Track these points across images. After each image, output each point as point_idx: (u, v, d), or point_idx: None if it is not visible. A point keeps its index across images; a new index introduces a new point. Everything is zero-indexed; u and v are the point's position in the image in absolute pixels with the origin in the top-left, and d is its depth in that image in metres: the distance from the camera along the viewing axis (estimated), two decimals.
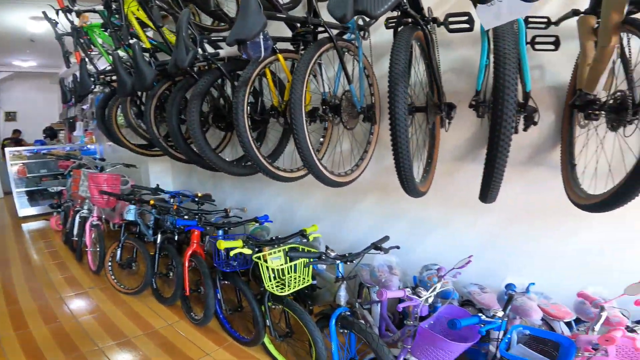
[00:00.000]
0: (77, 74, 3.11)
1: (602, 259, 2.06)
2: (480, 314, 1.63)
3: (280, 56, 2.07)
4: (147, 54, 2.79)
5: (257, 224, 2.88)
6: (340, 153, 2.64)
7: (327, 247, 2.07)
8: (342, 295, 1.96)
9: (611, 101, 1.49)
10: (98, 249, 3.63)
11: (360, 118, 2.08)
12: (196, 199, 3.42)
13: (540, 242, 2.20)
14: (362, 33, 2.07)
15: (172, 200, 3.54)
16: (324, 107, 2.04)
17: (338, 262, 1.98)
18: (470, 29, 1.87)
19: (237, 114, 1.87)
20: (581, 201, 1.64)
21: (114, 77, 3.35)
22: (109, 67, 3.22)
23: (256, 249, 2.17)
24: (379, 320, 2.12)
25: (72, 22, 3.06)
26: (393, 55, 1.54)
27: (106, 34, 3.10)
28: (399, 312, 2.33)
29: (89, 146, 6.39)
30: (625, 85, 1.43)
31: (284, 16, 1.90)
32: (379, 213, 2.75)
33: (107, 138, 3.61)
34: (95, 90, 4.90)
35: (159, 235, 3.12)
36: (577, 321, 1.93)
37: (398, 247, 2.22)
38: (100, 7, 2.73)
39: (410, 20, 1.78)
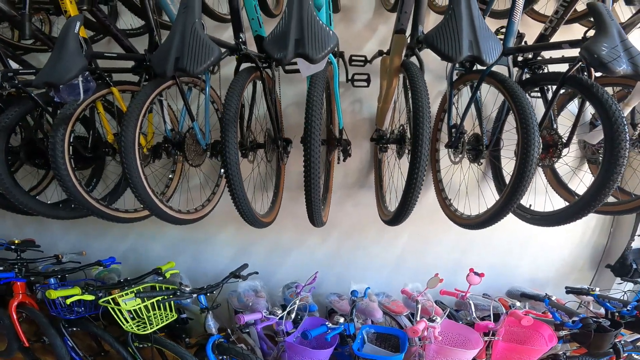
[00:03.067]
0: None
1: (414, 260, 2.62)
2: (327, 322, 1.88)
3: (115, 90, 1.92)
4: None
5: (102, 267, 2.59)
6: (188, 190, 2.59)
7: (180, 283, 2.07)
8: (212, 324, 1.99)
9: (393, 134, 1.91)
10: None
11: (206, 155, 2.10)
12: (12, 247, 2.80)
13: (370, 250, 2.66)
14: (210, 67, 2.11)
15: None
16: (166, 144, 1.99)
17: (195, 295, 2.01)
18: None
19: (55, 156, 1.64)
20: (384, 217, 2.05)
21: None
22: None
23: (102, 293, 2.05)
24: (259, 341, 2.20)
25: None
26: (227, 99, 1.62)
27: None
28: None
29: None
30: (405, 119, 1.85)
31: (114, 55, 1.79)
32: (239, 242, 2.82)
33: None
34: None
35: None
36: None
37: (257, 273, 2.35)
38: None
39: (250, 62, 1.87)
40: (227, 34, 2.52)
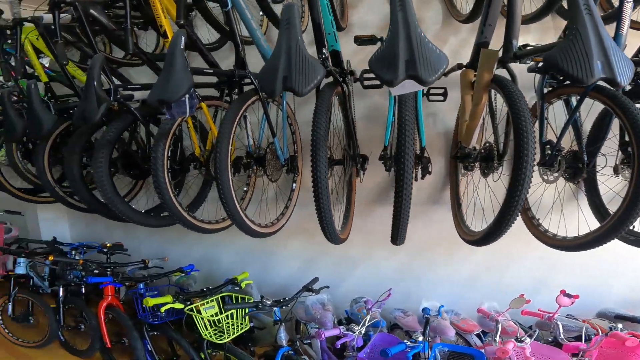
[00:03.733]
0: None
1: (490, 278, 2.48)
2: (406, 340, 1.84)
3: (204, 105, 2.06)
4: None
5: (182, 274, 2.77)
6: (266, 202, 2.67)
7: (262, 297, 2.13)
8: (283, 337, 2.04)
9: (482, 152, 1.83)
10: None
11: (284, 170, 2.17)
12: (105, 250, 3.08)
13: (439, 267, 2.57)
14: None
15: (74, 253, 3.12)
16: (248, 160, 2.08)
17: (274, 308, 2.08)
18: (381, 86, 2.06)
19: (157, 169, 1.78)
20: (466, 237, 1.97)
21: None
22: None
23: (187, 302, 2.15)
24: (321, 354, 2.21)
25: None
26: (315, 118, 1.66)
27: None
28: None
29: None
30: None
31: (211, 71, 1.91)
32: (306, 254, 2.87)
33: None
34: None
35: (60, 288, 2.78)
36: (485, 332, 2.25)
37: (327, 287, 2.38)
38: None
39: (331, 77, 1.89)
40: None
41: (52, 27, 2.02)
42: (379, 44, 1.89)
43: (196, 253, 3.32)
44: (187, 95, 1.56)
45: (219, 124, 1.80)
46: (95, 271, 2.65)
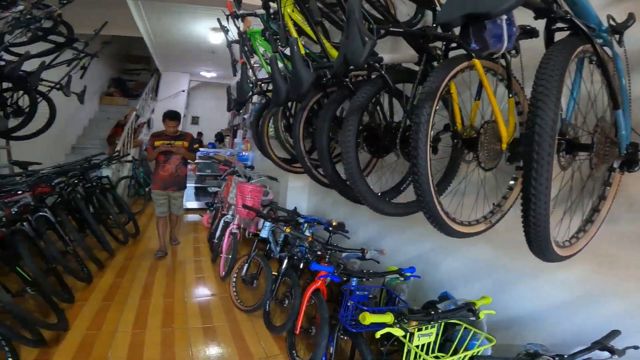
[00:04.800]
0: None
1: None
2: None
3: (477, 62, 1.39)
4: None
5: (401, 278, 2.26)
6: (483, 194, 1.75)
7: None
8: None
9: None
10: (230, 257, 3.66)
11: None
12: (330, 228, 3.01)
13: None
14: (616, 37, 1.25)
15: (306, 227, 3.22)
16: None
17: None
18: None
19: (418, 141, 1.27)
20: None
21: (270, 87, 3.28)
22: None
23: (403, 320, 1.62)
24: None
25: (238, 28, 3.01)
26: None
27: (266, 41, 2.96)
28: None
29: (244, 153, 6.97)
30: None
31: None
32: (587, 287, 1.71)
33: (258, 149, 3.58)
34: (254, 101, 5.15)
35: (285, 261, 2.84)
36: None
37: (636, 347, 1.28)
38: (262, 11, 2.59)
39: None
40: None
41: None
42: None
43: (412, 250, 2.76)
44: (504, 18, 0.95)
45: (537, 87, 1.06)
46: (318, 252, 2.53)
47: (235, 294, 3.25)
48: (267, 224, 3.27)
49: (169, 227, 4.59)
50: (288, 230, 2.72)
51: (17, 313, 2.27)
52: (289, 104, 3.19)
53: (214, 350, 2.63)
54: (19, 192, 3.05)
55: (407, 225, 2.73)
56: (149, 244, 4.75)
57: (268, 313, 2.91)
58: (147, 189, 6.39)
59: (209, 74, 10.63)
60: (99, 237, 3.94)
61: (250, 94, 2.80)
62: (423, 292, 2.51)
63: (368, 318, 1.57)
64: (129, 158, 5.87)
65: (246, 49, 2.90)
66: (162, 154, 4.03)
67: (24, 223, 2.87)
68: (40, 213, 3.09)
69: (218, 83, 11.39)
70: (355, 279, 2.26)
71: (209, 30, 6.44)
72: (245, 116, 7.38)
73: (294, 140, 2.58)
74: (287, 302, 2.83)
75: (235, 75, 3.62)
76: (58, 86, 4.15)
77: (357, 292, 2.18)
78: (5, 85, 3.68)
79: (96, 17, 4.43)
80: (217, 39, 6.62)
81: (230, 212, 4.10)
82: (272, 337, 2.79)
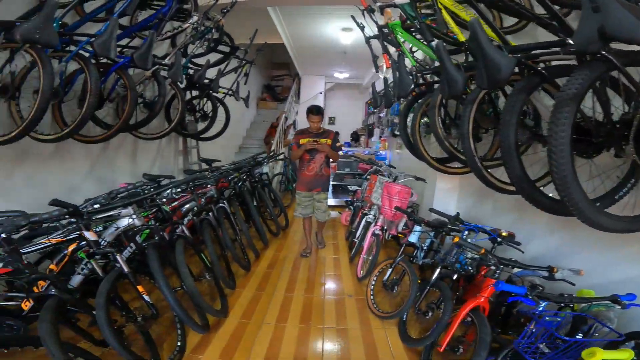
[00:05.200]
0: (386, 77, 2.95)
1: None
2: None
3: None
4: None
5: (616, 305, 1.75)
6: None
7: None
8: None
9: None
10: (370, 258, 3.56)
11: None
12: (498, 239, 2.57)
13: None
14: None
15: (467, 235, 2.85)
16: None
17: None
18: None
19: None
20: None
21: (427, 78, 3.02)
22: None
23: None
24: None
25: (376, 23, 2.89)
26: None
27: (408, 33, 2.78)
28: None
29: (381, 152, 6.88)
30: None
31: None
32: None
33: (407, 147, 3.36)
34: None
35: (438, 270, 2.57)
36: None
37: None
38: (403, 1, 2.38)
39: None
40: None
41: None
42: None
43: (616, 273, 2.08)
44: None
45: None
46: (497, 271, 2.16)
47: (372, 297, 3.13)
48: (418, 228, 3.06)
49: (313, 228, 4.57)
50: (457, 239, 2.42)
51: (196, 298, 2.51)
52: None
53: (344, 353, 2.55)
54: (208, 186, 3.63)
55: (607, 241, 2.08)
56: (295, 237, 5.10)
57: (404, 322, 2.73)
58: (294, 185, 7.03)
59: (341, 75, 10.95)
60: (259, 228, 4.42)
61: (412, 86, 2.60)
62: (628, 322, 1.87)
63: (599, 354, 1.20)
64: (280, 157, 6.48)
65: (390, 39, 2.73)
66: (307, 153, 3.93)
67: (209, 213, 3.40)
68: (220, 204, 3.64)
69: (350, 83, 11.67)
70: (545, 302, 1.83)
71: (339, 31, 6.49)
72: (382, 114, 7.26)
73: (461, 137, 2.28)
74: (430, 314, 2.58)
75: (377, 71, 3.51)
76: (230, 92, 4.83)
77: (547, 318, 1.79)
78: (193, 93, 4.47)
79: (244, 27, 4.86)
80: (347, 39, 6.63)
81: (372, 212, 4.01)
82: (404, 349, 2.58)
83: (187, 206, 3.17)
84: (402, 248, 3.11)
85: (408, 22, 2.76)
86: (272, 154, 6.10)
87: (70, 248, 2.08)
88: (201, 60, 4.07)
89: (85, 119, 2.46)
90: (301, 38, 7.07)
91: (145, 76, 3.43)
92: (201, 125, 4.61)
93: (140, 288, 2.21)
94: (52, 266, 2.06)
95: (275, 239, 4.90)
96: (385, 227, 3.77)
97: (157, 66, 3.31)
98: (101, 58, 2.75)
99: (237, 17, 4.06)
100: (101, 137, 2.95)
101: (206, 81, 4.08)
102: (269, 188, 5.29)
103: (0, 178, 2.66)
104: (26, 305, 1.91)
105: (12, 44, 2.21)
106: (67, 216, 1.98)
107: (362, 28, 3.12)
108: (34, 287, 1.89)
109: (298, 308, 3.11)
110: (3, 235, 1.66)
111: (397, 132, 5.81)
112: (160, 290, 2.28)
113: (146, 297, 2.24)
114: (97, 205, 2.18)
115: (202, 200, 3.43)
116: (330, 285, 3.66)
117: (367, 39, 3.15)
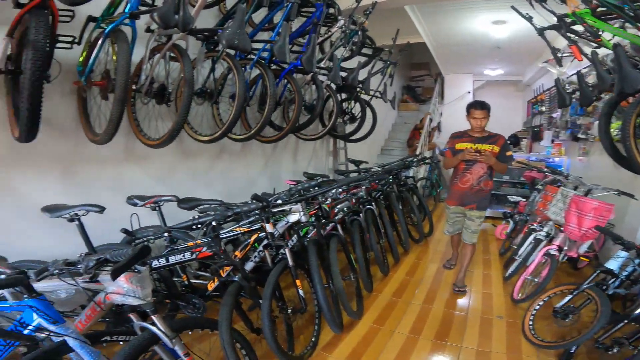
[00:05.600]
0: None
1: None
2: None
3: None
4: None
5: None
6: None
7: None
8: None
9: None
10: (537, 280, 3.01)
11: None
12: None
13: None
14: None
15: None
16: None
17: None
18: None
19: None
20: None
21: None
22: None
23: None
24: None
25: (553, 12, 2.51)
26: None
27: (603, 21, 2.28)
28: None
29: (554, 159, 5.73)
30: None
31: None
32: None
33: (610, 155, 2.63)
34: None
35: None
36: None
37: None
38: None
39: None
40: None
41: None
42: None
43: None
44: None
45: None
46: None
47: (531, 323, 2.63)
48: (623, 254, 2.45)
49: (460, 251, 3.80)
50: None
51: (342, 297, 2.51)
52: None
53: None
54: (362, 187, 3.65)
55: None
56: (438, 246, 4.73)
57: (571, 355, 2.35)
58: (438, 190, 6.57)
59: (493, 72, 9.71)
60: (402, 232, 4.24)
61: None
62: None
63: None
64: (428, 161, 6.15)
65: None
66: (463, 160, 3.18)
67: (359, 214, 3.42)
68: (369, 206, 3.63)
69: (505, 81, 10.20)
70: None
71: (489, 25, 5.70)
72: (555, 115, 6.04)
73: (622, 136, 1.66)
74: (615, 349, 2.16)
75: (560, 65, 2.88)
76: (378, 94, 4.80)
77: None
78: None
79: (382, 28, 4.72)
80: (500, 32, 5.77)
81: (546, 229, 3.35)
82: None
83: (340, 205, 3.25)
84: (595, 274, 2.52)
85: (599, 9, 2.28)
86: (420, 157, 5.85)
87: (253, 237, 2.34)
88: (345, 64, 4.13)
89: (267, 120, 2.78)
90: (443, 36, 6.65)
91: (305, 80, 3.68)
92: (350, 128, 4.73)
93: (297, 282, 2.32)
94: (236, 253, 2.34)
95: (416, 245, 4.66)
96: (564, 248, 3.07)
97: (316, 70, 3.49)
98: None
99: (374, 18, 4.01)
100: (275, 137, 3.31)
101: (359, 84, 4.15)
102: (415, 192, 5.05)
103: (204, 171, 3.30)
104: (211, 286, 2.26)
105: (212, 53, 2.63)
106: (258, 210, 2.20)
107: (529, 19, 2.74)
108: (220, 271, 2.16)
109: (435, 321, 2.87)
110: (214, 223, 1.97)
111: (581, 135, 4.72)
112: (313, 285, 2.37)
113: (300, 291, 2.33)
114: (279, 201, 2.40)
115: (353, 200, 3.48)
116: (476, 302, 3.25)
117: (541, 31, 2.72)
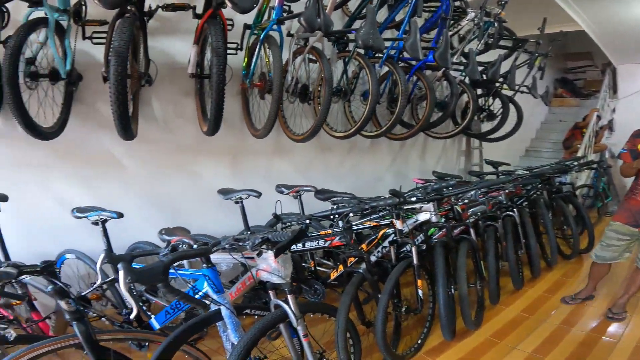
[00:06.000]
0: None
1: None
2: None
3: None
4: None
5: None
6: None
7: None
8: None
9: None
10: None
11: None
12: None
13: None
14: None
15: None
16: None
17: None
18: None
19: None
20: None
21: None
22: None
23: None
24: None
25: None
26: None
27: None
28: None
29: None
30: None
31: None
32: None
33: None
34: None
35: None
36: None
37: None
38: None
39: None
40: None
41: None
42: None
43: None
44: None
45: None
46: None
47: None
48: None
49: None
50: None
51: (464, 304, 2.37)
52: None
53: None
54: (503, 191, 3.27)
55: None
56: None
57: None
58: (605, 202, 5.32)
59: None
60: (547, 245, 3.63)
61: None
62: None
63: None
64: (594, 165, 5.09)
65: None
66: None
67: (496, 220, 3.07)
68: (509, 213, 3.22)
69: None
70: None
71: None
72: None
73: None
74: None
75: None
76: (525, 89, 4.21)
77: None
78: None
79: (524, 17, 4.17)
80: None
81: None
82: None
83: (474, 209, 2.99)
84: None
85: None
86: (584, 160, 4.88)
87: (381, 232, 2.36)
88: (479, 58, 3.75)
89: (399, 118, 2.78)
90: (606, 22, 5.39)
91: (436, 76, 3.50)
92: (487, 126, 4.29)
93: (419, 281, 2.24)
94: (363, 246, 2.37)
95: (565, 262, 3.91)
96: None
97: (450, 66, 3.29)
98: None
99: (512, 8, 3.48)
100: (405, 135, 3.28)
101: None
102: (572, 201, 4.20)
103: (336, 165, 3.53)
104: (333, 274, 2.34)
105: (343, 54, 2.74)
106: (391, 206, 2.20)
107: None
108: (345, 261, 2.24)
109: (570, 344, 2.45)
110: (351, 215, 2.09)
111: None
112: (435, 287, 2.29)
113: (420, 292, 2.25)
114: (414, 198, 2.37)
115: (491, 204, 3.14)
116: (636, 330, 2.58)
117: None
